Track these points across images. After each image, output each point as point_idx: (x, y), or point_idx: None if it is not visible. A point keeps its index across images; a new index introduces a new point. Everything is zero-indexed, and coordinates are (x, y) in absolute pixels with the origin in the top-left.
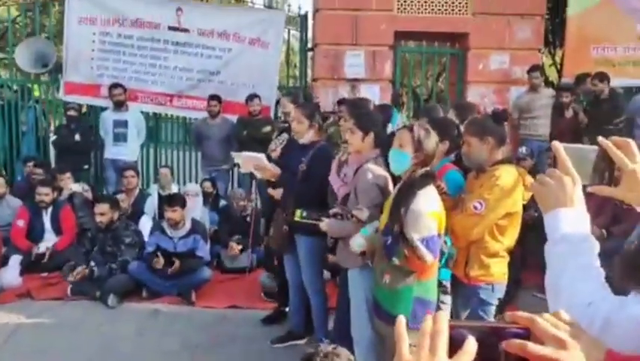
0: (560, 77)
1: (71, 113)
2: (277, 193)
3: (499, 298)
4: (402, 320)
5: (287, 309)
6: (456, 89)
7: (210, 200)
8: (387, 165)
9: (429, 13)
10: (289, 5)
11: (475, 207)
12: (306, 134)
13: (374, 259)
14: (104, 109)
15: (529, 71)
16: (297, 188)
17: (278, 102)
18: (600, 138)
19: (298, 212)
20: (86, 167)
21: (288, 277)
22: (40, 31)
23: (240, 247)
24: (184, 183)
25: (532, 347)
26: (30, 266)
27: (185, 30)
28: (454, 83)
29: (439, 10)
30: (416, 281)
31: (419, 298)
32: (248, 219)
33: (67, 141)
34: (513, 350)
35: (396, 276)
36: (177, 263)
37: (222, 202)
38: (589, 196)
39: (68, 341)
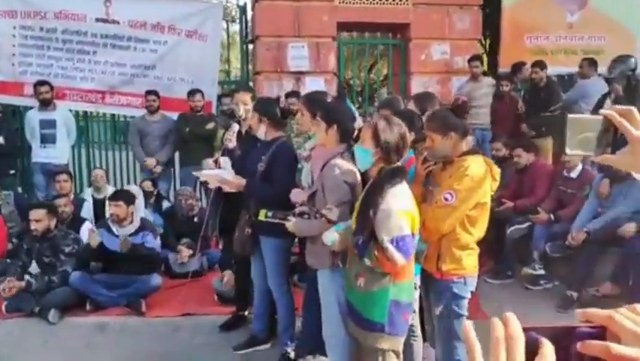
0: (490, 66)
1: None
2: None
3: (471, 291)
4: (469, 325)
5: (246, 313)
6: (399, 80)
7: (152, 201)
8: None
9: (370, 3)
10: None
11: (446, 199)
12: (260, 130)
13: (346, 259)
14: (27, 109)
15: (469, 61)
16: (256, 191)
17: (219, 98)
18: (602, 110)
19: (263, 212)
20: (12, 172)
21: (254, 280)
22: None
23: (190, 251)
24: (121, 185)
25: (616, 348)
26: None
27: (115, 22)
28: (397, 74)
29: (380, 0)
30: (392, 283)
31: (395, 301)
32: (195, 219)
33: None
34: (592, 351)
35: (370, 278)
36: (126, 239)
37: (165, 203)
38: (537, 181)
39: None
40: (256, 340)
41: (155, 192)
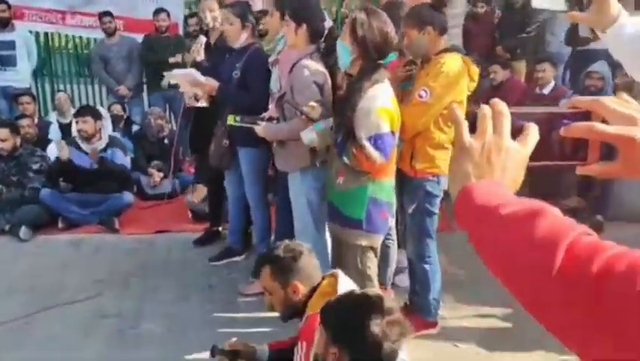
0: None
1: None
2: (190, 101)
3: (443, 190)
4: (455, 106)
5: (220, 229)
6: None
7: (122, 125)
8: (324, 61)
9: None
10: None
11: (420, 96)
12: (240, 37)
13: (327, 157)
14: None
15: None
16: (232, 97)
17: (186, 19)
18: None
19: (231, 117)
20: None
21: (229, 193)
22: None
23: (161, 174)
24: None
25: (599, 127)
26: None
27: None
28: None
29: None
30: (370, 181)
31: (374, 199)
32: (166, 141)
33: None
34: (575, 133)
35: (350, 176)
36: (95, 150)
37: (135, 128)
38: (510, 97)
39: None
40: (231, 251)
41: (125, 117)
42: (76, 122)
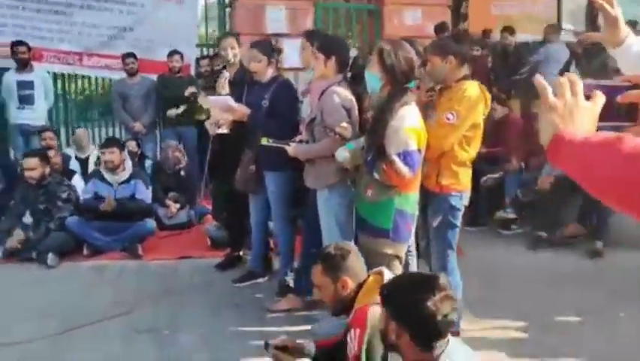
0: None
1: None
2: (211, 129)
3: (465, 205)
4: (539, 77)
5: (241, 253)
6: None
7: (136, 160)
8: (351, 88)
9: None
10: None
11: (448, 118)
12: (267, 72)
13: (356, 176)
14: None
15: (435, 31)
16: (262, 124)
17: (198, 60)
18: None
19: (264, 138)
20: None
21: (252, 218)
22: None
23: (177, 205)
24: None
25: None
26: None
27: None
28: (373, 41)
29: None
30: (397, 194)
31: (400, 210)
32: (182, 173)
33: None
34: (629, 99)
35: (378, 189)
36: (111, 199)
37: (148, 162)
38: (509, 133)
39: (11, 300)
40: (254, 274)
41: (139, 153)
42: (103, 154)
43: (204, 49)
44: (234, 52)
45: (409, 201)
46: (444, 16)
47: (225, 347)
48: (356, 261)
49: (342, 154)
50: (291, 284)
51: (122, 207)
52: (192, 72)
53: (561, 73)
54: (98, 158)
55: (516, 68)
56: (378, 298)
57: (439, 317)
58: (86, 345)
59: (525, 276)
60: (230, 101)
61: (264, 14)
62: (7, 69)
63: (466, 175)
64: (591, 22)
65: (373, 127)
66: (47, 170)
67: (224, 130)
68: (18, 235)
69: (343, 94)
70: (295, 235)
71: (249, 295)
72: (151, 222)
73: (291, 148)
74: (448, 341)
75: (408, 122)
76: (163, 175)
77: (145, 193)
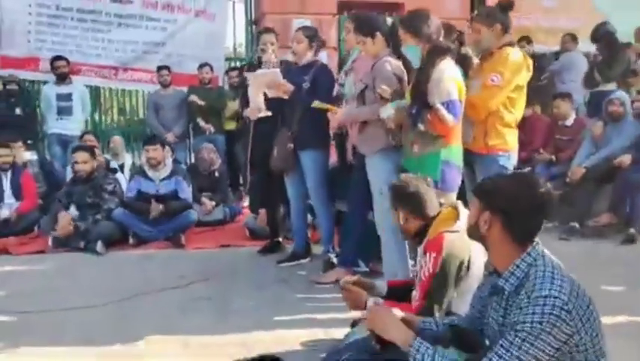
0: None
1: (12, 86)
2: (252, 113)
3: (514, 166)
4: None
5: (280, 240)
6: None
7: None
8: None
9: None
10: None
11: (493, 80)
12: (307, 54)
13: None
14: (42, 83)
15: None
16: (304, 103)
17: (226, 72)
18: None
19: (316, 102)
20: (30, 142)
21: (290, 197)
22: None
23: (212, 203)
24: (138, 156)
25: None
26: None
27: (129, 2)
28: None
29: None
30: (442, 146)
31: (446, 162)
32: (217, 174)
33: (7, 115)
34: None
35: (424, 143)
36: (160, 207)
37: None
38: (536, 130)
39: (68, 279)
40: (297, 255)
41: (173, 159)
42: (147, 151)
43: (232, 62)
44: (273, 47)
45: (454, 153)
46: (462, 27)
47: (277, 315)
48: (430, 194)
49: (387, 111)
50: (335, 261)
51: (167, 206)
52: (221, 83)
53: (585, 80)
54: (133, 164)
55: (535, 75)
56: (453, 227)
57: (547, 208)
58: (146, 311)
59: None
60: (279, 74)
61: (290, 27)
62: (46, 82)
63: (512, 136)
64: None
65: (417, 81)
66: (95, 164)
67: (267, 113)
68: (63, 217)
69: (395, 63)
70: (333, 211)
71: (294, 272)
72: (193, 213)
73: (342, 110)
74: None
75: (448, 73)
76: (198, 175)
77: (187, 191)
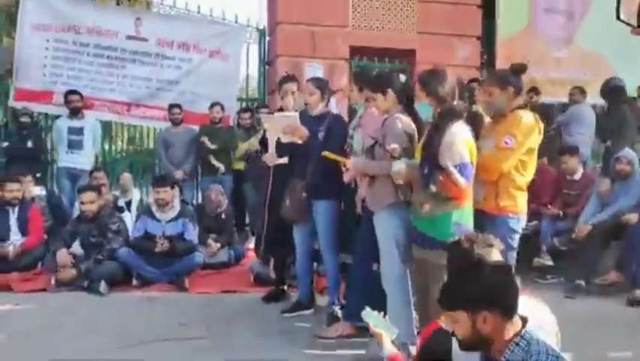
0: None
1: (24, 119)
2: (271, 159)
3: (522, 228)
4: None
5: (285, 288)
6: None
7: None
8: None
9: (380, 30)
10: (248, 20)
11: (506, 142)
12: (318, 105)
13: (411, 192)
14: (55, 116)
15: (469, 82)
16: (318, 153)
17: (238, 113)
18: None
19: (326, 152)
20: (38, 175)
21: (297, 246)
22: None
23: (218, 245)
24: (146, 192)
25: None
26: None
27: (144, 40)
28: None
29: (389, 27)
30: (454, 207)
31: (457, 223)
32: (223, 216)
33: (19, 148)
34: None
35: (435, 204)
36: (166, 243)
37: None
38: (544, 186)
39: (69, 321)
40: (301, 305)
41: (180, 199)
42: (157, 192)
43: (244, 102)
44: (294, 96)
45: (465, 214)
46: (473, 75)
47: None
48: None
49: (399, 166)
50: (339, 315)
51: (172, 247)
52: (231, 123)
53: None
54: (141, 201)
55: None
56: None
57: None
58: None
59: (564, 323)
60: (297, 119)
61: (302, 71)
62: (59, 116)
63: (522, 199)
64: None
65: (428, 142)
66: (101, 203)
67: (284, 160)
68: (62, 255)
69: (406, 121)
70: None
71: (298, 323)
72: (199, 256)
73: (352, 161)
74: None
75: (460, 136)
76: (205, 217)
77: (193, 234)
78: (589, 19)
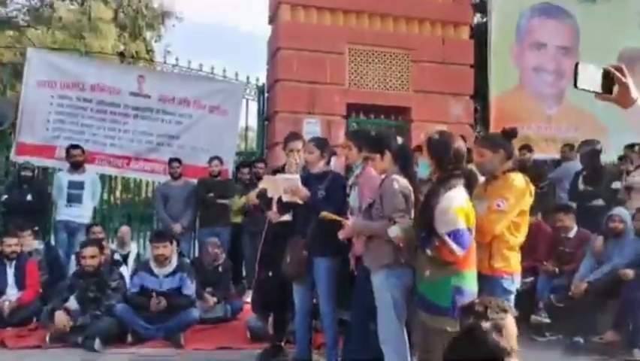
0: None
1: (25, 173)
2: (275, 216)
3: (517, 289)
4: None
5: (282, 344)
6: None
7: None
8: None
9: (377, 89)
10: (247, 77)
11: (498, 205)
12: (318, 164)
13: (408, 254)
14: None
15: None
16: (319, 210)
17: (238, 167)
18: (605, 66)
19: (324, 213)
20: (37, 228)
21: (297, 303)
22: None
23: (214, 299)
24: (143, 243)
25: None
26: None
27: (147, 96)
28: None
29: (385, 86)
30: (454, 272)
31: (458, 288)
32: (220, 269)
33: (19, 201)
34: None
35: (434, 268)
36: (163, 301)
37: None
38: (539, 243)
39: None
40: None
41: (178, 252)
42: (156, 248)
43: (243, 156)
44: (299, 153)
45: (467, 279)
46: (466, 133)
47: None
48: None
49: (395, 230)
50: None
51: (169, 303)
52: (229, 176)
53: (571, 187)
54: (138, 255)
55: (535, 182)
56: None
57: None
58: None
59: None
60: (298, 181)
61: (301, 127)
62: (60, 169)
63: (516, 259)
64: None
65: (424, 208)
66: (102, 258)
67: (286, 217)
68: (60, 316)
69: (402, 182)
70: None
71: None
72: (195, 311)
73: (351, 221)
74: None
75: (456, 203)
76: (201, 270)
77: (191, 288)
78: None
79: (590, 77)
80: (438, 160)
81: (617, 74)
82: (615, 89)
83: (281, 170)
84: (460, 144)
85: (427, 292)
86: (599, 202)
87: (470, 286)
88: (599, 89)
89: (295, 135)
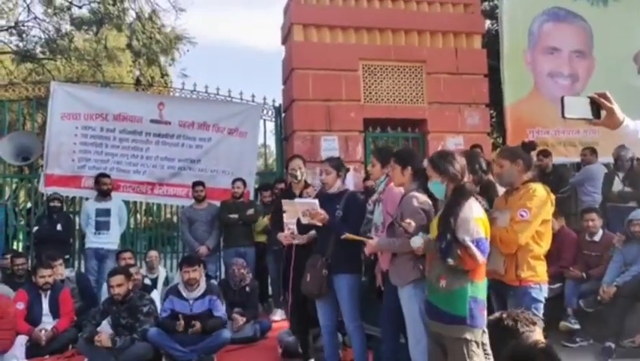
0: None
1: (54, 203)
2: (287, 240)
3: (545, 298)
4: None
5: None
6: None
7: None
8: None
9: (392, 103)
10: (264, 98)
11: (522, 215)
12: (335, 184)
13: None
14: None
15: (472, 147)
16: (338, 230)
17: (259, 190)
18: (590, 95)
19: (347, 234)
20: (67, 257)
21: (322, 321)
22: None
23: (244, 318)
24: (171, 268)
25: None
26: (32, 350)
27: (167, 123)
28: None
29: (400, 99)
30: (470, 282)
31: (474, 298)
32: (247, 289)
33: (49, 232)
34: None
35: (451, 279)
36: (198, 325)
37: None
38: (565, 248)
39: None
40: None
41: (205, 274)
42: (187, 272)
43: (264, 177)
44: (302, 171)
45: (480, 289)
46: (483, 142)
47: None
48: None
49: (417, 241)
50: None
51: (202, 326)
52: (251, 197)
53: (603, 191)
54: (166, 278)
55: (557, 187)
56: None
57: None
58: None
59: None
60: (317, 204)
61: (319, 144)
62: (87, 198)
63: (542, 268)
64: None
65: (444, 217)
66: (131, 285)
67: (301, 241)
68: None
69: (422, 198)
70: (365, 336)
71: None
72: (227, 332)
73: (374, 240)
74: None
75: (475, 213)
76: (229, 291)
77: (221, 310)
78: (594, 80)
79: (578, 107)
80: (446, 174)
81: (602, 100)
82: (603, 113)
83: (286, 191)
84: (460, 159)
85: (442, 303)
86: (635, 203)
87: (483, 295)
88: (589, 115)
89: (294, 156)
